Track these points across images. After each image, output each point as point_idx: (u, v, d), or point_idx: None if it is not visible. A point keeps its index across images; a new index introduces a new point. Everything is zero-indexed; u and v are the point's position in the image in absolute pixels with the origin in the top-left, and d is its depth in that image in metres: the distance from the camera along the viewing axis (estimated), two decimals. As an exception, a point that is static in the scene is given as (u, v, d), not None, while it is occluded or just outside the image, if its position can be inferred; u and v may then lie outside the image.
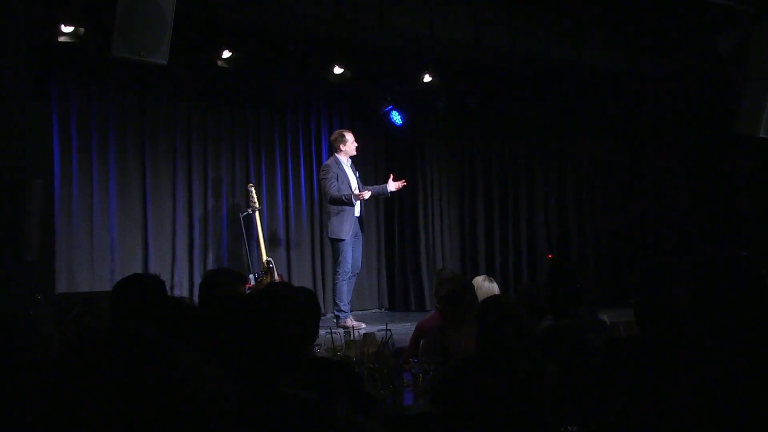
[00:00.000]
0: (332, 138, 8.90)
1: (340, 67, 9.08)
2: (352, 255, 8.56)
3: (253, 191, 9.19)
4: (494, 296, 4.23)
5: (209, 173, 9.65)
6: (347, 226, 8.43)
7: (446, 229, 11.14)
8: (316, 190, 10.17)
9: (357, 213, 8.56)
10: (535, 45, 8.70)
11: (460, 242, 11.21)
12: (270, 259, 8.96)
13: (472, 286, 5.03)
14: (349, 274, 8.53)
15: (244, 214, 9.22)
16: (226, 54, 8.41)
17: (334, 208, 8.47)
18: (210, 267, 9.32)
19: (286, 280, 9.41)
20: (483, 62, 9.36)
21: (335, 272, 8.62)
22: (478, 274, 6.64)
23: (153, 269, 8.87)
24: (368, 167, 10.90)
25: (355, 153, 8.73)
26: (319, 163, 9.96)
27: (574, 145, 10.69)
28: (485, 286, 5.34)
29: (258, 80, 9.66)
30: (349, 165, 8.69)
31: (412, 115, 10.84)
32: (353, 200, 8.38)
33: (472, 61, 9.30)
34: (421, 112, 10.89)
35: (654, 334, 2.89)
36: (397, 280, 11.22)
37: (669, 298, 2.90)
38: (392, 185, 8.76)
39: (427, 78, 9.54)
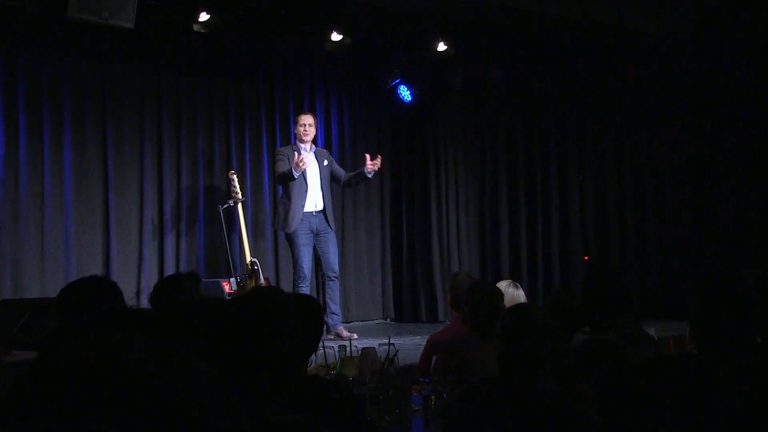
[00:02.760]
0: None
1: (339, 32, 9.06)
2: (323, 256, 8.83)
3: (236, 179, 9.17)
4: (520, 305, 4.21)
5: (183, 158, 9.63)
6: (292, 217, 8.65)
7: (463, 226, 11.12)
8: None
9: (312, 207, 8.78)
10: (570, 7, 8.67)
11: (480, 241, 11.20)
12: (255, 259, 8.96)
13: (500, 292, 5.03)
14: (306, 279, 8.72)
15: (225, 206, 9.20)
16: (204, 17, 8.39)
17: (281, 196, 8.89)
18: (184, 268, 9.30)
19: (273, 284, 9.41)
20: (508, 28, 9.32)
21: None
22: (501, 279, 6.62)
23: (116, 271, 8.87)
24: (371, 153, 10.85)
25: (304, 138, 8.88)
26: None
27: (615, 127, 10.65)
28: (509, 292, 5.34)
29: (241, 48, 9.63)
30: (311, 152, 8.83)
31: (424, 91, 10.80)
32: (294, 172, 8.52)
33: (495, 26, 9.26)
34: (434, 87, 10.87)
35: (715, 352, 2.87)
36: (405, 286, 11.21)
37: (736, 309, 2.87)
38: (369, 166, 8.85)
39: (441, 47, 9.51)
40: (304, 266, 8.66)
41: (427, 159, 11.16)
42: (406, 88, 10.61)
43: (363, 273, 10.84)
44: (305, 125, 8.88)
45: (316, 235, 8.77)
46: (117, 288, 3.67)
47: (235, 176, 9.21)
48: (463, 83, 10.48)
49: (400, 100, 10.73)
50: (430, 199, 11.10)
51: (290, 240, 8.75)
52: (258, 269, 8.87)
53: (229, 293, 8.54)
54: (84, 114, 9.06)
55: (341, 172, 9.08)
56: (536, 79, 10.66)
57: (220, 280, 8.80)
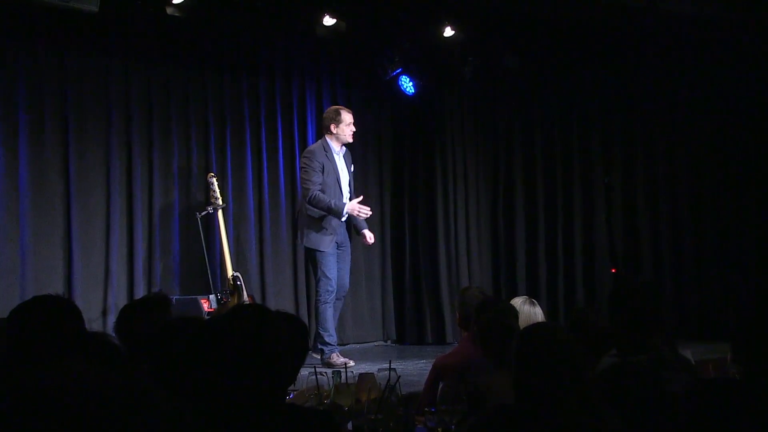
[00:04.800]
0: (325, 114, 8.97)
1: (332, 16, 9.06)
2: (338, 272, 8.71)
3: (215, 183, 9.18)
4: (538, 324, 4.20)
5: (155, 158, 9.60)
6: (330, 234, 8.59)
7: (474, 235, 11.12)
8: (299, 182, 10.11)
9: (344, 218, 8.64)
10: (594, -14, 8.70)
11: (493, 252, 11.20)
12: (237, 273, 8.95)
13: (514, 309, 5.04)
14: (335, 293, 8.58)
15: (203, 213, 9.21)
16: (178, -3, 8.42)
17: (314, 210, 8.57)
18: (158, 283, 9.29)
19: (258, 301, 9.40)
20: (524, 9, 9.33)
21: (316, 292, 8.76)
22: (517, 295, 6.63)
23: (79, 288, 8.85)
24: (369, 153, 10.87)
25: (350, 140, 8.79)
26: (304, 145, 9.92)
27: (645, 122, 10.65)
28: (525, 310, 5.38)
29: (221, 34, 9.64)
30: (342, 155, 8.76)
31: (429, 82, 10.81)
32: (342, 213, 8.52)
33: (510, 8, 9.27)
34: (440, 77, 10.88)
35: (760, 376, 2.86)
36: (408, 304, 11.19)
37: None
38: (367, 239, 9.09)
39: (448, 31, 9.52)
40: (334, 279, 8.61)
41: (432, 160, 11.15)
42: (408, 79, 10.60)
43: (360, 289, 10.80)
44: (351, 124, 8.79)
45: (339, 247, 8.76)
46: (76, 309, 3.64)
47: (214, 179, 9.20)
48: (473, 73, 10.47)
49: (402, 93, 10.71)
50: (437, 205, 11.08)
51: (317, 251, 8.63)
52: (241, 285, 8.86)
53: (208, 312, 8.53)
54: (42, 109, 9.00)
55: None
56: (556, 68, 10.66)
57: (198, 297, 8.79)
